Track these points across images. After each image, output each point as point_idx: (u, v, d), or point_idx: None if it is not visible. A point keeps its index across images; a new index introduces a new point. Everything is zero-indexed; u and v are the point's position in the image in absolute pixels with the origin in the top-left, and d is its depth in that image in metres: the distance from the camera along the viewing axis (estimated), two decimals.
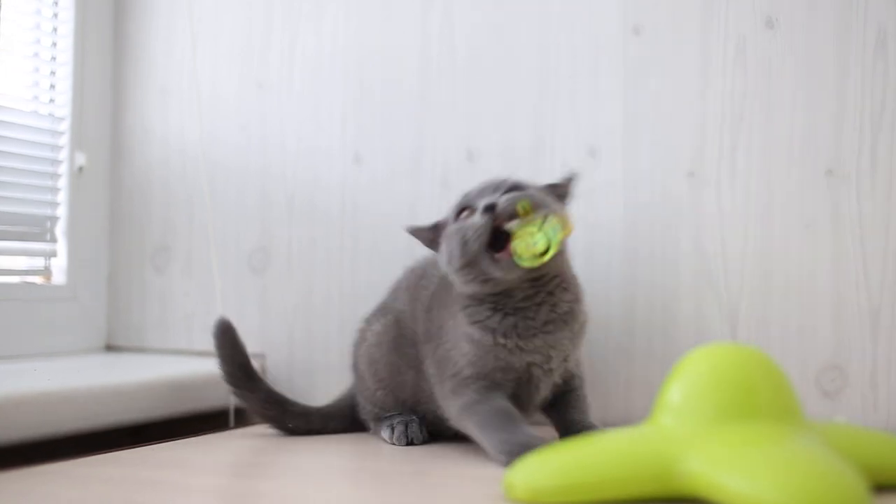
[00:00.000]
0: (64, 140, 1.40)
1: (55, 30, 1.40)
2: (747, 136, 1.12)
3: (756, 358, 0.77)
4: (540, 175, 1.17)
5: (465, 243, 0.90)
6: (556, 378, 0.97)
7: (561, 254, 0.93)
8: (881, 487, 0.75)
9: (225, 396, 1.22)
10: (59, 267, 1.40)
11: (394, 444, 1.01)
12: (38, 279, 1.39)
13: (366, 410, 1.09)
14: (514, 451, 0.82)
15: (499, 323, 0.93)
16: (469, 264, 0.91)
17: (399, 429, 1.02)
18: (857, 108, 1.07)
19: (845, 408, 1.06)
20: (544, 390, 0.97)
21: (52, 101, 1.40)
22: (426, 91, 1.29)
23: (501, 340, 0.93)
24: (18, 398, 1.00)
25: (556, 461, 0.74)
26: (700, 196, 1.14)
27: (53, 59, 1.40)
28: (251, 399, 1.09)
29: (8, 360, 1.26)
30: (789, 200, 1.10)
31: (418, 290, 1.05)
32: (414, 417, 1.04)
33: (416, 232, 1.02)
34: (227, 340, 1.10)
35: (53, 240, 1.39)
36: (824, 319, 1.08)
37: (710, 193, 1.14)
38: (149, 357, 1.40)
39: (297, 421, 1.09)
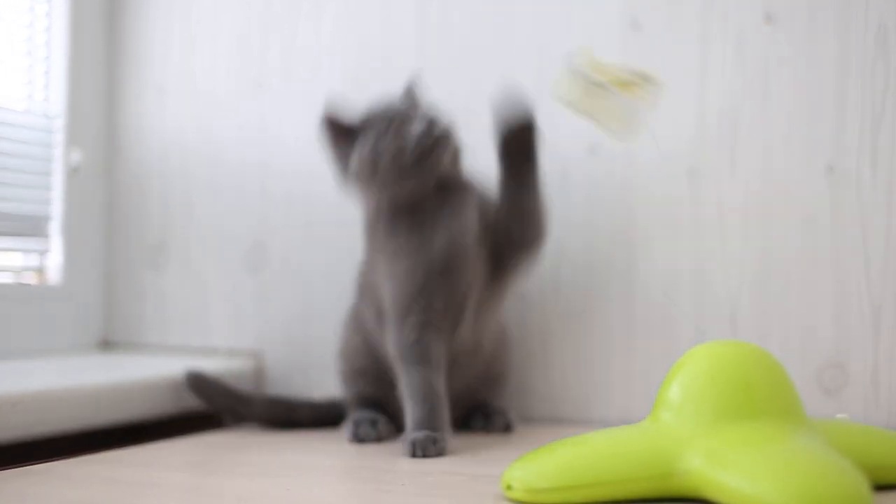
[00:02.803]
0: (58, 138, 1.39)
1: (49, 27, 1.39)
2: (747, 132, 1.12)
3: (756, 355, 0.77)
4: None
5: (402, 150, 0.95)
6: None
7: (458, 160, 1.01)
8: (883, 486, 0.75)
9: None
10: (55, 265, 1.39)
11: (351, 441, 1.02)
12: (33, 278, 1.38)
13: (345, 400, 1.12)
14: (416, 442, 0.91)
15: (417, 235, 0.97)
16: (402, 173, 0.95)
17: (350, 429, 1.03)
18: (857, 103, 1.07)
19: (846, 405, 1.06)
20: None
21: (46, 98, 1.39)
22: (424, 89, 1.28)
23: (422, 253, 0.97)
24: (15, 397, 1.00)
25: (554, 460, 0.74)
26: (699, 192, 1.14)
27: (48, 56, 1.39)
28: (255, 417, 1.14)
29: (3, 358, 1.26)
30: (789, 197, 1.10)
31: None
32: (367, 416, 1.04)
33: (333, 123, 0.99)
34: (203, 388, 1.14)
35: (49, 238, 1.39)
36: (825, 317, 1.08)
37: (709, 190, 1.13)
38: (146, 356, 1.39)
39: (304, 413, 1.14)
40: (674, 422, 0.75)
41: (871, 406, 1.05)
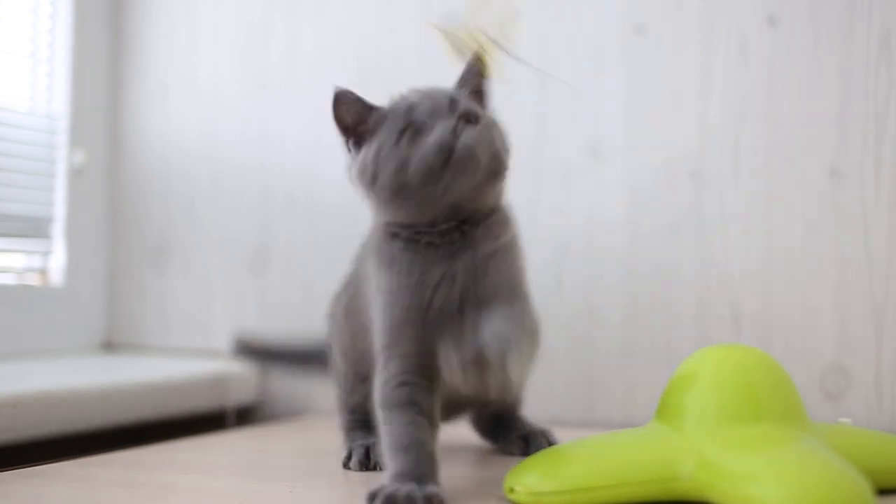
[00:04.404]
0: (62, 139, 1.39)
1: (52, 28, 1.39)
2: (750, 135, 1.12)
3: (759, 360, 0.77)
4: (540, 176, 1.17)
5: (404, 164, 0.75)
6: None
7: (495, 185, 0.80)
8: (885, 490, 0.75)
9: (224, 397, 1.22)
10: (58, 267, 1.39)
11: (349, 468, 0.88)
12: (36, 279, 1.38)
13: (340, 402, 0.95)
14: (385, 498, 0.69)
15: (410, 260, 0.77)
16: (401, 192, 0.75)
17: (359, 452, 0.88)
18: (860, 106, 1.07)
19: (849, 410, 1.06)
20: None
21: (49, 100, 1.39)
22: None
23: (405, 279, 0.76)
24: (16, 398, 1.00)
25: (556, 464, 0.74)
26: (703, 196, 1.14)
27: (51, 58, 1.39)
28: (291, 366, 1.14)
29: (5, 359, 1.26)
30: (792, 200, 1.10)
31: (364, 247, 0.90)
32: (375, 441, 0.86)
33: (346, 100, 0.79)
34: (247, 350, 1.16)
35: (52, 240, 1.39)
36: (828, 321, 1.07)
37: (712, 193, 1.13)
38: (147, 357, 1.39)
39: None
40: (677, 425, 0.74)
41: (874, 410, 1.05)
